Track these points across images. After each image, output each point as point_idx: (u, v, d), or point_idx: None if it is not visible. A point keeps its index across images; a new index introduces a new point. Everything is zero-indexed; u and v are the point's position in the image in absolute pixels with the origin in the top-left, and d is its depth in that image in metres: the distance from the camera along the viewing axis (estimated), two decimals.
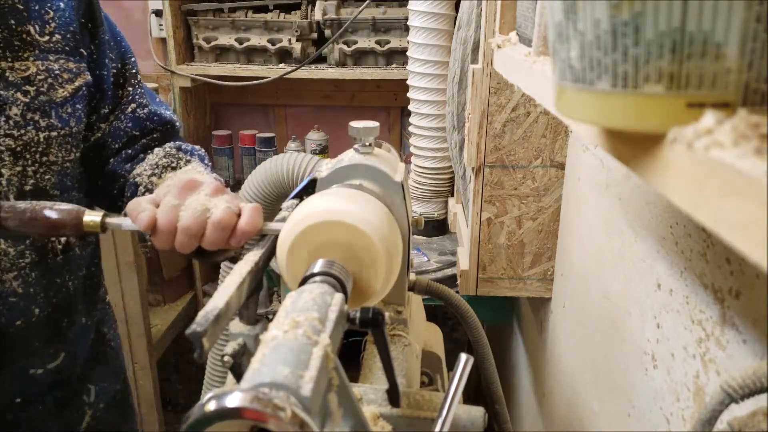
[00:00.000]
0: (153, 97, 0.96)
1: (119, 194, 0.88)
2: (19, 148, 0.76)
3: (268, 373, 0.34)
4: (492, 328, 1.98)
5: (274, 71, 1.98)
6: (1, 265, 0.77)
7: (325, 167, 0.65)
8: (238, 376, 0.52)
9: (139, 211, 0.63)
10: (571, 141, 1.06)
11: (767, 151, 0.21)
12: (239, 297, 0.51)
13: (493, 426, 0.81)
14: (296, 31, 2.03)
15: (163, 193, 0.67)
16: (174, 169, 0.83)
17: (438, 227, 1.73)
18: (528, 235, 1.15)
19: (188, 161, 0.84)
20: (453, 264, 1.54)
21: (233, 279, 0.51)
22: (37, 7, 0.77)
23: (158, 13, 2.10)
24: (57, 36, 0.79)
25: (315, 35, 2.07)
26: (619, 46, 0.26)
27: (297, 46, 2.04)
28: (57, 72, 0.79)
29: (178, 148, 0.87)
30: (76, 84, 0.82)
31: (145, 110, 0.91)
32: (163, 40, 2.08)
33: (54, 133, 0.79)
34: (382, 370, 0.51)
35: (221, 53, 2.11)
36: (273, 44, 2.05)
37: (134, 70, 0.91)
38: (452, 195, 1.69)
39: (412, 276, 0.76)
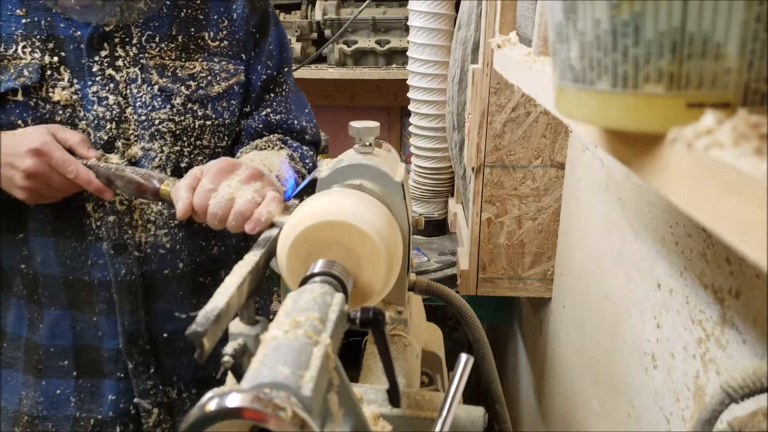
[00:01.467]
0: (301, 106, 1.07)
1: None
2: (178, 132, 0.91)
3: (269, 373, 0.34)
4: (492, 328, 1.98)
5: None
6: (156, 222, 0.92)
7: (325, 167, 0.65)
8: (238, 376, 0.52)
9: (178, 199, 0.74)
10: (571, 141, 1.06)
11: (767, 151, 0.21)
12: (239, 297, 0.51)
13: (493, 426, 0.81)
14: (296, 31, 2.03)
15: (206, 170, 0.75)
16: (263, 150, 0.95)
17: (438, 227, 1.73)
18: (528, 235, 1.15)
19: (281, 148, 0.96)
20: (453, 264, 1.54)
21: (233, 279, 0.51)
22: (215, 17, 0.93)
23: None
24: (225, 42, 0.94)
25: (315, 35, 2.07)
26: (619, 46, 0.26)
27: (297, 46, 2.04)
28: (216, 71, 0.94)
29: (281, 139, 0.99)
30: (230, 83, 0.95)
31: (278, 117, 1.02)
32: None
33: (208, 122, 0.94)
34: (382, 370, 0.51)
35: None
36: None
37: (283, 80, 1.03)
38: (452, 195, 1.69)
39: (412, 276, 0.76)
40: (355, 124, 0.66)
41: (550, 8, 0.31)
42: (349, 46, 2.01)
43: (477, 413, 0.54)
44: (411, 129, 1.69)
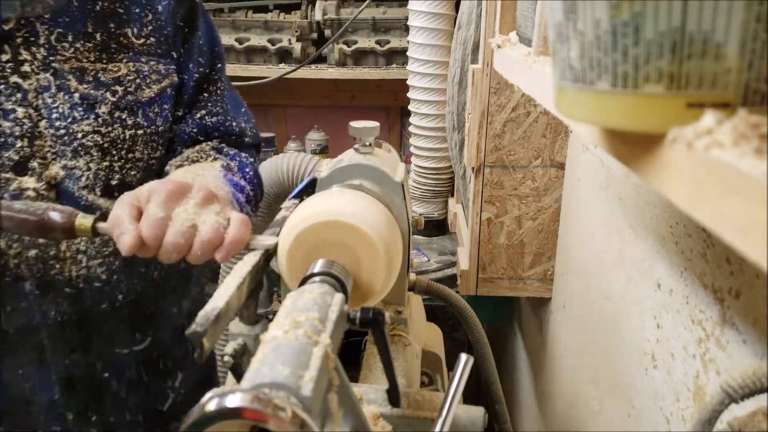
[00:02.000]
0: (237, 106, 0.98)
1: None
2: (106, 145, 0.80)
3: (269, 373, 0.34)
4: (492, 328, 1.98)
5: (274, 71, 1.99)
6: (87, 252, 0.81)
7: (325, 167, 0.65)
8: (238, 376, 0.52)
9: (121, 232, 0.60)
10: (571, 141, 1.06)
11: (767, 151, 0.21)
12: (239, 297, 0.51)
13: (493, 426, 0.81)
14: (296, 31, 2.03)
15: (146, 197, 0.62)
16: (195, 162, 0.84)
17: (438, 227, 1.73)
18: (528, 235, 1.15)
19: (216, 159, 0.85)
20: (453, 264, 1.54)
21: (233, 279, 0.51)
22: (137, 10, 0.81)
23: None
24: (152, 39, 0.83)
25: (315, 35, 2.07)
26: (619, 46, 0.26)
27: (297, 46, 2.04)
28: (146, 73, 0.82)
29: (215, 148, 0.89)
30: (162, 85, 0.85)
31: (214, 119, 0.92)
32: None
33: (140, 131, 0.83)
34: (382, 370, 0.51)
35: None
36: (273, 44, 2.05)
37: (217, 77, 0.93)
38: (452, 195, 1.69)
39: (412, 276, 0.76)
40: (355, 124, 0.66)
41: (550, 8, 0.31)
42: (349, 46, 2.01)
43: (477, 413, 0.54)
44: (411, 129, 1.69)
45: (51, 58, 0.75)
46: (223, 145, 0.92)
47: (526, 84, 0.61)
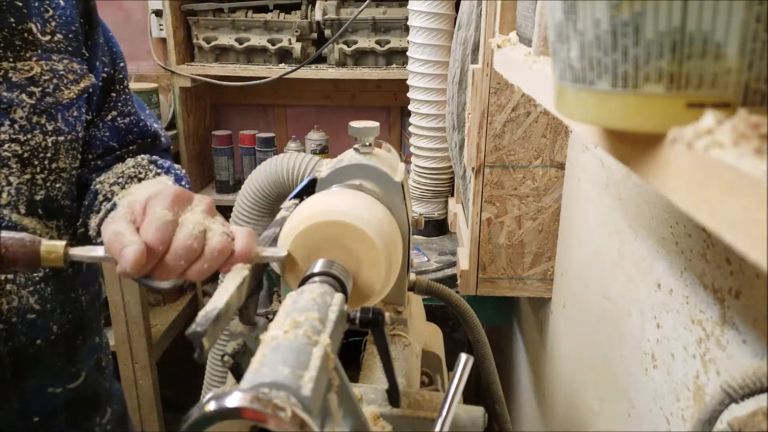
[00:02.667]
0: (142, 107, 0.90)
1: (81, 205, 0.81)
2: (26, 154, 0.71)
3: (268, 373, 0.34)
4: (492, 328, 1.98)
5: (274, 71, 1.98)
6: (16, 280, 0.72)
7: (325, 167, 0.65)
8: (238, 376, 0.52)
9: (124, 245, 0.51)
10: (571, 141, 1.06)
11: (767, 151, 0.21)
12: (239, 297, 0.51)
13: (493, 426, 0.81)
14: (296, 31, 2.03)
15: (142, 206, 0.56)
16: (140, 180, 0.76)
17: (438, 227, 1.73)
18: (528, 235, 1.15)
19: (158, 174, 0.78)
20: (453, 264, 1.54)
21: (233, 279, 0.51)
22: (36, 4, 0.73)
23: (158, 13, 2.10)
24: (59, 35, 0.75)
25: (315, 35, 2.07)
26: (619, 46, 0.26)
27: (297, 46, 2.04)
28: (62, 72, 0.75)
29: (152, 161, 0.81)
30: (82, 85, 0.77)
31: (126, 120, 0.84)
32: (163, 40, 2.08)
33: (61, 138, 0.75)
34: (382, 370, 0.51)
35: (221, 53, 2.11)
36: (273, 44, 2.05)
37: (122, 76, 0.86)
38: (452, 195, 1.69)
39: (412, 276, 0.76)
40: (355, 124, 0.66)
41: (550, 8, 0.31)
42: (349, 46, 2.01)
43: (477, 413, 0.54)
44: (411, 129, 1.69)
45: None
46: (156, 156, 0.84)
47: (526, 84, 0.61)
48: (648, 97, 0.26)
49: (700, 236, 0.57)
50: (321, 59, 2.06)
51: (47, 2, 0.74)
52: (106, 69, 0.83)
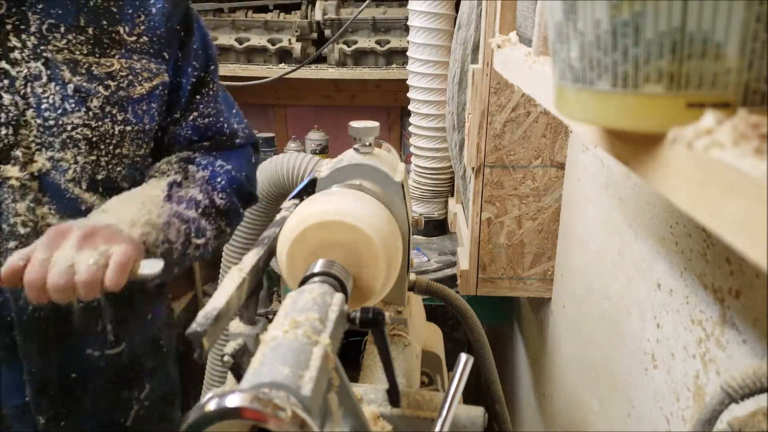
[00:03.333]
0: (230, 107, 0.99)
1: None
2: (95, 139, 0.80)
3: (268, 373, 0.34)
4: (492, 328, 1.98)
5: (274, 71, 1.99)
6: None
7: (325, 167, 0.65)
8: (238, 376, 0.52)
9: (6, 263, 0.65)
10: (571, 141, 1.06)
11: (767, 151, 0.21)
12: (239, 297, 0.51)
13: (493, 426, 0.81)
14: (296, 31, 2.03)
15: (34, 246, 0.67)
16: (163, 174, 0.86)
17: (438, 227, 1.73)
18: (528, 235, 1.15)
19: (153, 176, 0.87)
20: (453, 264, 1.54)
21: (233, 279, 0.51)
22: (130, 11, 0.83)
23: None
24: (144, 38, 0.84)
25: (315, 35, 2.07)
26: (619, 46, 0.26)
27: (297, 46, 2.04)
28: (138, 70, 0.83)
29: (184, 159, 0.90)
30: (154, 83, 0.85)
31: (206, 120, 0.93)
32: None
33: (128, 128, 0.83)
34: (382, 370, 0.51)
35: (221, 53, 2.11)
36: (273, 44, 2.05)
37: (209, 79, 0.94)
38: (452, 195, 1.69)
39: (412, 276, 0.76)
40: (355, 124, 0.66)
41: (550, 8, 0.31)
42: (349, 46, 2.01)
43: (477, 413, 0.54)
44: (411, 129, 1.69)
45: (42, 48, 0.75)
46: (196, 155, 0.93)
47: (526, 84, 0.61)
48: (648, 97, 0.26)
49: (700, 236, 0.57)
50: (321, 59, 2.06)
51: (141, 9, 0.84)
52: (196, 72, 0.91)
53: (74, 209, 0.80)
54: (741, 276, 0.50)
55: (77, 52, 0.78)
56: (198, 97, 0.93)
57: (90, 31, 0.79)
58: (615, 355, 0.81)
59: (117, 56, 0.81)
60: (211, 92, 0.94)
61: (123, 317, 0.90)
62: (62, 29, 0.77)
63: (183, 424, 0.33)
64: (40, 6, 0.75)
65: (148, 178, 0.86)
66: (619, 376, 0.80)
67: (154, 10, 0.85)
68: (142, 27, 0.84)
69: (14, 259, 0.65)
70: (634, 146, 0.30)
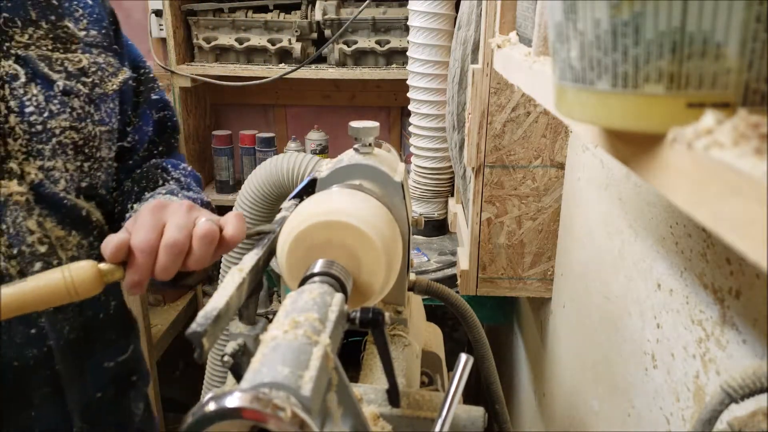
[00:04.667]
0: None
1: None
2: (80, 142, 0.74)
3: (268, 373, 0.34)
4: (492, 328, 1.98)
5: (274, 71, 1.99)
6: (81, 258, 0.74)
7: (325, 167, 0.65)
8: (238, 376, 0.52)
9: (107, 243, 0.57)
10: (571, 141, 1.06)
11: (767, 151, 0.21)
12: (239, 297, 0.51)
13: (493, 426, 0.81)
14: (296, 31, 2.03)
15: (132, 221, 0.61)
16: (155, 187, 0.81)
17: (438, 227, 1.73)
18: (528, 235, 1.15)
19: (162, 183, 0.83)
20: (453, 264, 1.54)
21: (233, 279, 0.51)
22: (66, 4, 0.76)
23: (158, 13, 2.10)
24: (93, 31, 0.78)
25: (315, 35, 2.07)
26: (619, 46, 0.26)
27: (297, 46, 2.04)
28: (103, 65, 0.78)
29: (160, 167, 0.85)
30: (120, 78, 0.80)
31: (160, 114, 0.89)
32: (163, 40, 2.08)
33: (102, 128, 0.77)
34: (382, 370, 0.51)
35: (221, 53, 2.11)
36: (273, 44, 2.05)
37: (151, 74, 0.90)
38: (452, 195, 1.69)
39: (412, 276, 0.76)
40: (355, 124, 0.66)
41: (550, 8, 0.31)
42: (349, 46, 2.01)
43: (477, 413, 0.54)
44: (411, 129, 1.69)
45: (7, 44, 0.68)
46: (166, 161, 0.88)
47: (526, 84, 0.60)
48: (648, 97, 0.26)
49: (700, 236, 0.57)
50: (321, 59, 2.06)
51: (75, 2, 0.77)
52: (135, 64, 0.86)
53: (77, 218, 0.75)
54: (741, 276, 0.50)
55: (44, 48, 0.71)
56: (141, 88, 0.87)
57: (44, 24, 0.72)
58: (615, 355, 0.81)
59: (80, 51, 0.75)
60: (155, 85, 0.90)
61: (130, 319, 0.89)
62: (19, 23, 0.69)
63: (183, 424, 0.33)
64: None
65: (133, 195, 0.79)
66: (619, 376, 0.80)
67: (90, 1, 0.79)
68: (85, 21, 0.77)
69: (116, 234, 0.58)
70: (634, 146, 0.30)
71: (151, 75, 0.91)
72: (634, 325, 0.74)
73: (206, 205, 0.80)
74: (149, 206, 0.61)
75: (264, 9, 2.07)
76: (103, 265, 0.57)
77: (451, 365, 0.53)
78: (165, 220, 0.59)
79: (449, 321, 2.10)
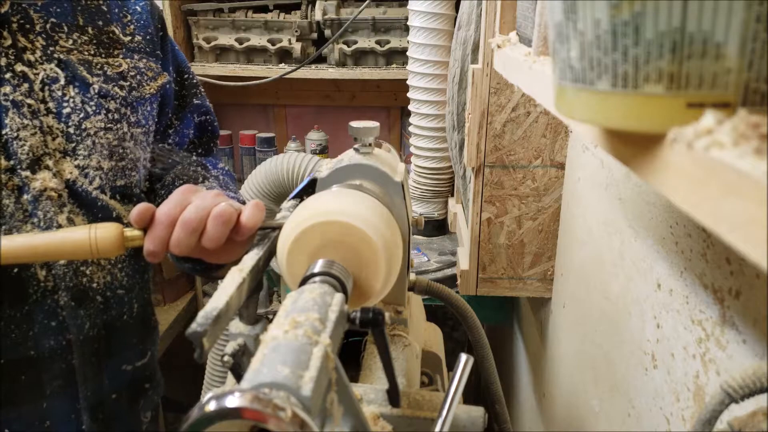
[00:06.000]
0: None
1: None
2: (114, 143, 0.77)
3: (268, 373, 0.34)
4: (492, 328, 1.98)
5: (274, 71, 1.99)
6: (112, 258, 0.78)
7: (325, 167, 0.65)
8: (238, 376, 0.52)
9: (135, 208, 0.61)
10: (571, 141, 1.06)
11: (767, 151, 0.21)
12: (239, 297, 0.51)
13: (493, 426, 0.81)
14: (296, 31, 2.03)
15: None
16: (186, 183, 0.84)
17: (438, 227, 1.74)
18: (528, 235, 1.15)
19: (204, 178, 0.86)
20: (453, 264, 1.54)
21: (233, 279, 0.51)
22: (116, 10, 0.80)
23: None
24: (138, 37, 0.82)
25: (315, 35, 2.07)
26: (619, 46, 0.26)
27: (297, 46, 2.04)
28: (143, 70, 0.81)
29: (199, 164, 0.89)
30: (159, 82, 0.84)
31: (202, 118, 0.92)
32: None
33: (139, 130, 0.81)
34: (382, 370, 0.51)
35: (221, 53, 2.11)
36: (273, 44, 2.05)
37: (195, 80, 0.93)
38: (452, 195, 1.69)
39: (412, 276, 0.76)
40: (355, 124, 0.66)
41: (550, 8, 0.31)
42: (349, 46, 2.01)
43: (477, 413, 0.54)
44: (411, 129, 1.69)
45: (51, 48, 0.72)
46: (207, 159, 0.92)
47: (526, 84, 0.60)
48: (648, 97, 0.26)
49: (700, 236, 0.57)
50: (321, 59, 2.06)
51: (125, 9, 0.82)
52: (180, 69, 0.91)
53: (108, 219, 0.76)
54: (741, 276, 0.50)
55: (86, 53, 0.75)
56: (184, 92, 0.91)
57: (90, 30, 0.76)
58: (615, 355, 0.81)
59: (121, 56, 0.79)
60: (199, 91, 0.94)
61: (151, 323, 0.89)
62: (65, 28, 0.74)
63: (183, 424, 0.33)
64: (40, 4, 0.72)
65: (169, 183, 0.83)
66: (619, 376, 0.80)
67: (138, 8, 0.83)
68: (132, 27, 0.82)
69: (145, 203, 0.61)
70: (634, 146, 0.30)
71: (195, 81, 0.94)
72: (634, 325, 0.74)
73: (243, 204, 0.82)
74: (182, 188, 0.64)
75: (264, 9, 2.07)
76: (127, 230, 0.60)
77: (451, 365, 0.52)
78: (191, 200, 0.62)
79: (449, 321, 2.10)
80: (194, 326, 0.43)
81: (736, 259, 0.50)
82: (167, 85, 0.85)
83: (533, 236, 1.14)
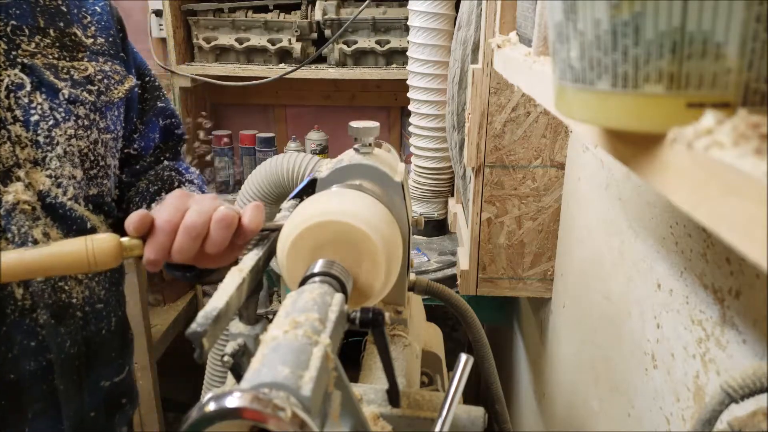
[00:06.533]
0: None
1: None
2: (85, 150, 0.74)
3: (268, 373, 0.34)
4: (492, 328, 1.98)
5: (274, 71, 1.99)
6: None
7: (325, 167, 0.65)
8: (238, 376, 0.52)
9: (132, 216, 0.58)
10: (571, 141, 1.06)
11: (767, 151, 0.21)
12: (239, 297, 0.51)
13: (493, 426, 0.81)
14: (296, 31, 2.03)
15: (158, 206, 0.63)
16: (171, 189, 0.81)
17: (438, 227, 1.73)
18: (528, 235, 1.15)
19: (178, 186, 0.84)
20: (453, 264, 1.54)
21: (233, 279, 0.51)
22: (75, 11, 0.77)
23: (158, 13, 2.10)
24: (100, 39, 0.79)
25: (315, 35, 2.07)
26: (619, 46, 0.26)
27: (297, 46, 2.04)
28: (109, 73, 0.78)
29: (174, 169, 0.86)
30: (126, 86, 0.81)
31: (167, 121, 0.90)
32: (163, 40, 2.08)
33: (109, 136, 0.78)
34: (382, 370, 0.51)
35: (221, 53, 2.11)
36: (273, 44, 2.05)
37: (157, 82, 0.91)
38: (452, 195, 1.69)
39: (412, 276, 0.76)
40: (355, 124, 0.66)
41: (550, 8, 0.31)
42: (349, 46, 2.01)
43: (477, 413, 0.54)
44: (411, 129, 1.69)
45: (14, 53, 0.68)
46: (177, 163, 0.90)
47: (526, 84, 0.60)
48: (648, 97, 0.26)
49: (700, 236, 0.57)
50: (321, 59, 2.06)
51: (84, 9, 0.78)
52: (140, 71, 0.87)
53: (83, 231, 0.74)
54: (741, 276, 0.50)
55: (50, 56, 0.71)
56: (146, 96, 0.88)
57: (51, 32, 0.72)
58: (615, 355, 0.81)
59: (86, 59, 0.75)
60: (161, 92, 0.91)
61: (128, 337, 0.88)
62: (26, 31, 0.70)
63: (183, 424, 0.33)
64: None
65: (146, 195, 0.80)
66: (619, 376, 0.80)
67: (98, 8, 0.79)
68: (93, 28, 0.78)
69: (142, 210, 0.60)
70: (634, 146, 0.30)
71: (157, 83, 0.91)
72: (634, 325, 0.74)
73: None
74: (175, 193, 0.63)
75: (264, 9, 2.07)
76: (125, 240, 0.59)
77: (451, 365, 0.52)
78: (189, 205, 0.61)
79: (449, 321, 2.10)
80: (194, 326, 0.43)
81: (736, 259, 0.50)
82: (135, 89, 0.82)
83: (533, 236, 1.14)
